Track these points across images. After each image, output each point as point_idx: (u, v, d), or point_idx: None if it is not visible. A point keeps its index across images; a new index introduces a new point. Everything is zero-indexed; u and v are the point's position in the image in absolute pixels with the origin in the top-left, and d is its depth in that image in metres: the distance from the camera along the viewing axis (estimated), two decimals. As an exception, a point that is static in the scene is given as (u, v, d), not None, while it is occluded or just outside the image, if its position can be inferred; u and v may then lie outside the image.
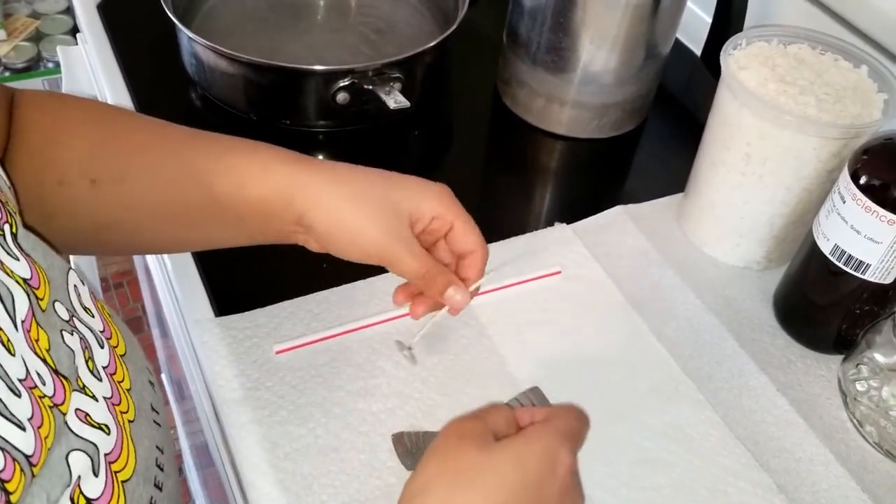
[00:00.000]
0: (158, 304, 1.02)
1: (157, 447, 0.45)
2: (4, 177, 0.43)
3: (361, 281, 0.63)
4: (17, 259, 0.38)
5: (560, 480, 0.40)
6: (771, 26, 0.68)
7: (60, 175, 0.49)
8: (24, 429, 0.33)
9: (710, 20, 0.76)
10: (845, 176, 0.55)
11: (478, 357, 0.59)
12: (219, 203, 0.49)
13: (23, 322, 0.36)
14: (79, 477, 0.37)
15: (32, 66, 1.86)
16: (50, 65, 1.88)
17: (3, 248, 0.37)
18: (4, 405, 0.33)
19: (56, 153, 0.49)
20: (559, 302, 0.63)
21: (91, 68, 0.85)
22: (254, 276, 0.64)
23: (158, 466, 0.45)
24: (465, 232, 0.50)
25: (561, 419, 0.44)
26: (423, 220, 0.50)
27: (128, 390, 0.44)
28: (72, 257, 0.94)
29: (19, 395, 0.34)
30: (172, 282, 0.63)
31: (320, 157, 0.76)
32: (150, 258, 0.76)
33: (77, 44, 0.90)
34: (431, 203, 0.50)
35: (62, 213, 0.50)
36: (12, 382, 0.34)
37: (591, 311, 0.63)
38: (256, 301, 0.60)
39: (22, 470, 0.32)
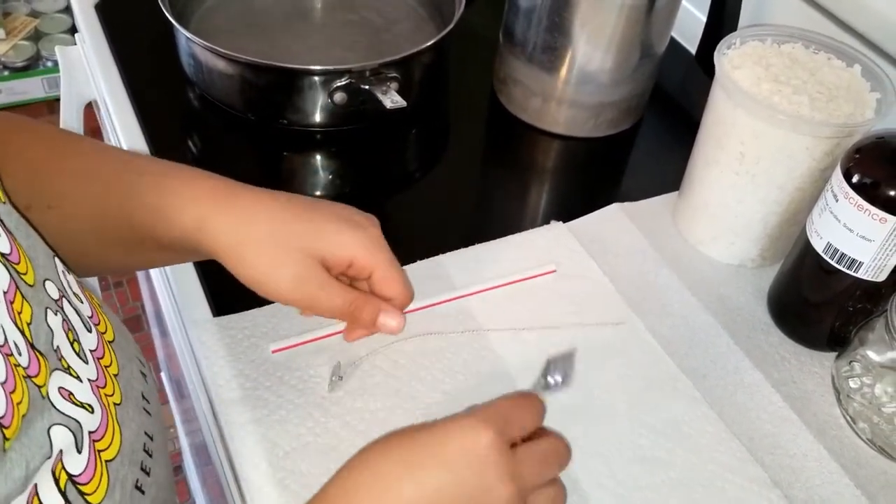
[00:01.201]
0: (157, 304, 1.03)
1: (145, 433, 0.46)
2: None
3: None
4: None
5: (487, 470, 0.40)
6: (765, 26, 0.68)
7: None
8: None
9: (704, 19, 0.77)
10: (838, 175, 0.56)
11: (475, 355, 0.59)
12: (141, 237, 0.50)
13: (5, 293, 0.37)
14: (60, 451, 0.38)
15: (31, 65, 1.87)
16: (49, 63, 1.88)
17: None
18: None
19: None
20: (555, 300, 0.64)
21: (89, 68, 0.85)
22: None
23: (146, 451, 0.45)
24: (384, 279, 0.50)
25: (484, 407, 0.43)
26: (338, 265, 0.49)
27: (115, 375, 0.45)
28: None
29: None
30: (171, 282, 0.63)
31: (318, 157, 0.77)
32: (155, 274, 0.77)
33: (75, 44, 0.90)
34: (347, 249, 0.48)
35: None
36: None
37: (587, 309, 0.63)
38: (254, 301, 0.60)
39: None
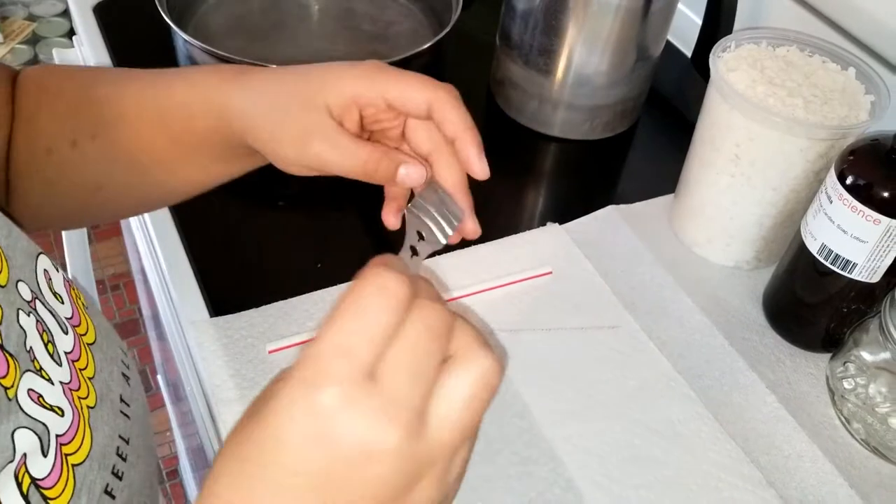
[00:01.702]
0: (154, 307, 1.03)
1: (120, 436, 0.45)
2: None
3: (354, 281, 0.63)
4: None
5: (330, 423, 0.29)
6: (760, 29, 0.69)
7: (47, 143, 0.51)
8: None
9: (700, 22, 0.77)
10: (832, 176, 0.56)
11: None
12: (178, 140, 0.49)
13: None
14: (24, 455, 0.37)
15: (28, 69, 1.87)
16: (46, 67, 1.89)
17: None
18: None
19: (41, 122, 0.51)
20: (552, 301, 0.64)
21: (87, 71, 0.86)
22: (248, 276, 0.65)
23: (120, 455, 0.45)
24: (400, 98, 0.43)
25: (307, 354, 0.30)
26: (349, 108, 0.44)
27: (90, 378, 0.45)
28: (67, 258, 0.95)
29: None
30: (168, 283, 0.63)
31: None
32: (146, 260, 0.77)
33: (73, 46, 0.90)
34: (351, 86, 0.43)
35: (57, 180, 0.51)
36: None
37: (583, 310, 0.63)
38: (251, 301, 0.61)
39: None
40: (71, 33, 1.96)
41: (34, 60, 1.91)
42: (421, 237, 0.42)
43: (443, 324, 0.30)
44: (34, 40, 1.93)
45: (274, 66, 0.49)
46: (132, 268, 1.16)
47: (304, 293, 0.62)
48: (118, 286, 1.86)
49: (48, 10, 1.99)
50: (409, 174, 0.43)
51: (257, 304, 0.61)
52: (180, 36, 0.73)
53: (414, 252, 0.41)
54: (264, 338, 0.59)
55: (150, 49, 0.83)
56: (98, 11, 0.86)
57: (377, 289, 0.30)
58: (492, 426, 0.55)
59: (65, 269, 0.49)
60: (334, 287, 0.63)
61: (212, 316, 0.60)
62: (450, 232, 0.43)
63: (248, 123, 0.45)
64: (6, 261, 0.41)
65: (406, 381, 0.29)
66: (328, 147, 0.43)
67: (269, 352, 0.58)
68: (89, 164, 0.51)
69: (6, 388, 0.37)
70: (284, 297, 0.62)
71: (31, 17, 1.96)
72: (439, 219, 0.43)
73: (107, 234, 1.86)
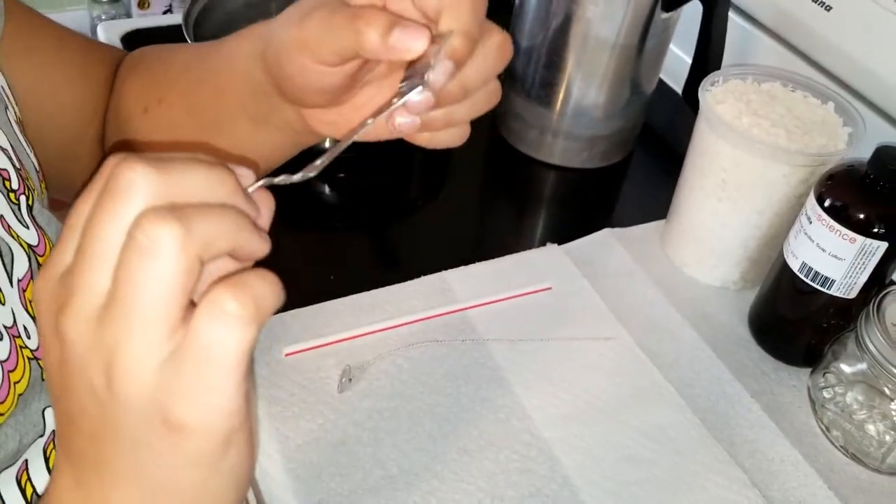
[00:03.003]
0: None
1: None
2: (32, 157, 0.48)
3: (366, 293, 0.67)
4: (27, 227, 0.43)
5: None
6: (746, 66, 0.74)
7: (126, 112, 0.55)
8: None
9: (690, 62, 0.83)
10: (812, 199, 0.61)
11: (474, 362, 0.63)
12: (225, 91, 0.48)
13: (20, 280, 0.40)
14: (53, 431, 0.40)
15: (43, 101, 1.93)
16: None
17: (15, 214, 0.42)
18: None
19: (123, 95, 0.55)
20: (550, 314, 0.68)
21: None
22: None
23: None
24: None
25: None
26: None
27: None
28: None
29: (1, 339, 0.38)
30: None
31: (326, 183, 0.82)
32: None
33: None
34: None
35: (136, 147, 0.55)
36: None
37: (579, 324, 0.67)
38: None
39: None
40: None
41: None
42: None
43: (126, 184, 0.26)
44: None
45: None
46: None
47: (318, 303, 0.66)
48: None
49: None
50: (403, 34, 0.36)
51: (275, 312, 0.64)
52: (206, 63, 0.78)
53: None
54: (281, 342, 0.63)
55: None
56: (126, 41, 0.91)
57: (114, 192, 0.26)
58: (494, 427, 0.59)
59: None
60: (347, 297, 0.67)
61: (232, 321, 0.64)
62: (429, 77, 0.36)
63: (272, 45, 0.42)
64: None
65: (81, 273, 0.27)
66: (326, 12, 0.38)
67: (286, 354, 0.62)
68: (156, 128, 0.51)
69: (42, 370, 0.41)
70: (300, 306, 0.65)
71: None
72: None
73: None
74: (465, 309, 0.67)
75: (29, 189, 0.44)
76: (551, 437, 0.59)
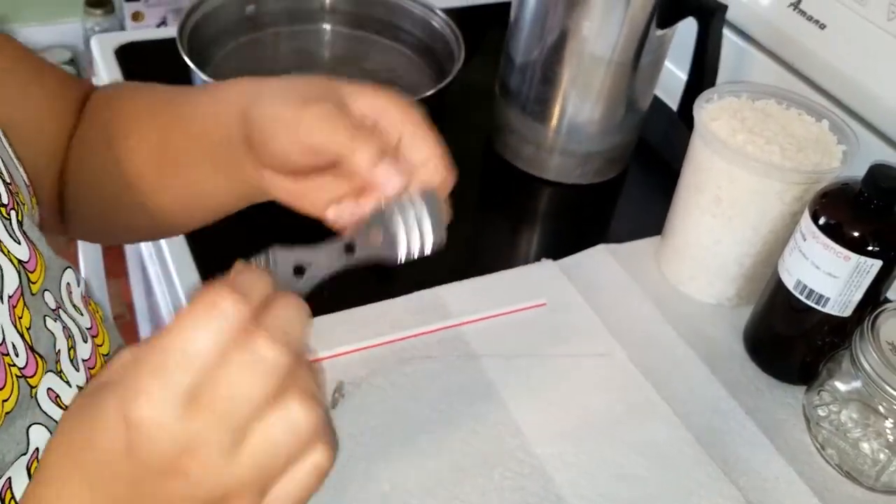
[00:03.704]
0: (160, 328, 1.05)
1: None
2: (22, 172, 0.48)
3: (360, 308, 0.67)
4: (19, 242, 0.42)
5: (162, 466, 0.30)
6: (741, 83, 0.74)
7: (91, 144, 0.55)
8: None
9: (685, 78, 0.83)
10: (806, 217, 0.61)
11: (468, 378, 0.63)
12: (192, 134, 0.50)
13: (10, 297, 0.40)
14: (37, 449, 0.40)
15: (36, 113, 1.92)
16: (53, 111, 1.94)
17: (6, 229, 0.42)
18: None
19: (89, 126, 0.55)
20: (545, 330, 0.68)
21: (107, 109, 0.90)
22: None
23: None
24: (415, 138, 0.43)
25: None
26: (366, 117, 0.44)
27: None
28: (82, 265, 0.98)
29: None
30: (182, 301, 0.67)
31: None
32: (158, 285, 0.81)
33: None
34: (380, 101, 0.44)
35: (90, 187, 0.56)
36: None
37: (574, 340, 0.67)
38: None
39: None
40: (78, 80, 2.02)
41: (41, 105, 1.96)
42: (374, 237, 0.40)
43: (273, 360, 0.30)
44: (42, 86, 1.98)
45: None
46: (136, 305, 1.19)
47: (312, 318, 0.65)
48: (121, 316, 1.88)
49: (56, 57, 2.04)
50: (389, 169, 0.41)
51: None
52: (200, 77, 0.78)
53: (349, 250, 0.40)
54: (274, 357, 0.62)
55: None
56: (119, 54, 0.91)
57: (206, 307, 0.29)
58: (488, 444, 0.59)
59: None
60: (340, 312, 0.66)
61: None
62: (404, 255, 0.41)
63: (262, 100, 0.44)
64: (45, 271, 0.44)
65: (214, 416, 0.29)
66: (327, 111, 0.41)
67: (279, 369, 0.61)
68: (122, 163, 0.52)
69: (32, 387, 0.41)
70: (293, 321, 0.65)
71: (41, 64, 2.02)
72: (411, 230, 0.41)
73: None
74: (460, 324, 0.67)
75: (19, 204, 0.44)
76: (545, 453, 0.59)
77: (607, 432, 0.61)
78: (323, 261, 0.40)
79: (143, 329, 1.19)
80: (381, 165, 0.40)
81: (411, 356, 0.64)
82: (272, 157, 0.44)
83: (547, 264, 0.74)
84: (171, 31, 0.84)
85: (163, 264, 0.74)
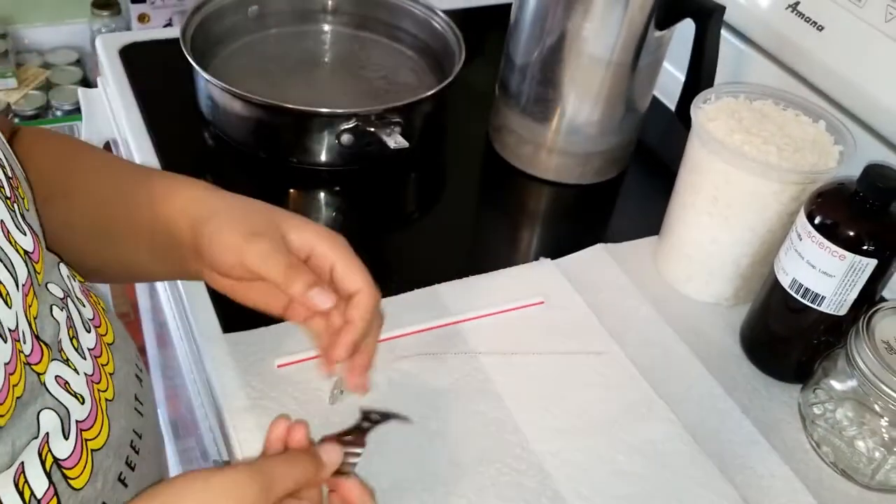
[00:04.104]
0: (161, 337, 1.06)
1: (134, 431, 0.49)
2: (18, 166, 0.48)
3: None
4: (24, 234, 0.44)
5: None
6: (738, 83, 0.75)
7: (42, 194, 0.54)
8: None
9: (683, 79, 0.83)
10: (802, 216, 0.61)
11: (467, 376, 0.64)
12: (136, 221, 0.54)
13: (23, 285, 0.42)
14: (47, 434, 0.41)
15: (41, 114, 1.93)
16: (58, 112, 1.94)
17: (13, 221, 0.43)
18: None
19: (32, 176, 0.54)
20: (543, 328, 0.68)
21: (111, 109, 0.91)
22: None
23: (133, 448, 0.49)
24: (346, 272, 0.50)
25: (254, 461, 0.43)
26: (301, 249, 0.50)
27: (111, 374, 0.49)
28: None
29: (6, 341, 0.39)
30: (184, 303, 0.67)
31: (321, 194, 0.82)
32: (160, 285, 0.81)
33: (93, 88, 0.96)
34: (310, 238, 0.51)
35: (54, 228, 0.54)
36: (3, 329, 0.39)
37: (572, 337, 0.68)
38: (260, 321, 0.65)
39: None
40: (84, 81, 2.02)
41: (47, 106, 1.97)
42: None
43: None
44: (47, 87, 1.99)
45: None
46: (140, 305, 1.19)
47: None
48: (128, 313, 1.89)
49: (62, 58, 2.05)
50: (314, 296, 0.48)
51: (267, 323, 0.65)
52: (202, 75, 0.79)
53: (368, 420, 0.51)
54: (273, 354, 0.63)
55: (172, 89, 0.89)
56: (124, 54, 0.92)
57: (306, 458, 0.43)
58: (485, 441, 0.59)
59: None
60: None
61: (224, 332, 0.64)
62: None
63: (211, 218, 0.50)
64: (43, 263, 0.45)
65: None
66: (270, 248, 0.49)
67: (278, 366, 0.62)
68: (52, 220, 0.53)
69: (38, 374, 0.42)
70: (291, 319, 0.66)
71: (46, 65, 2.03)
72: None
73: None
74: (458, 322, 0.67)
75: (19, 197, 0.45)
76: (542, 450, 0.59)
77: (604, 430, 0.61)
78: (362, 441, 0.49)
79: (147, 328, 1.19)
80: (311, 293, 0.48)
81: (409, 353, 0.64)
82: (218, 267, 0.50)
83: (545, 263, 0.74)
84: (174, 32, 0.85)
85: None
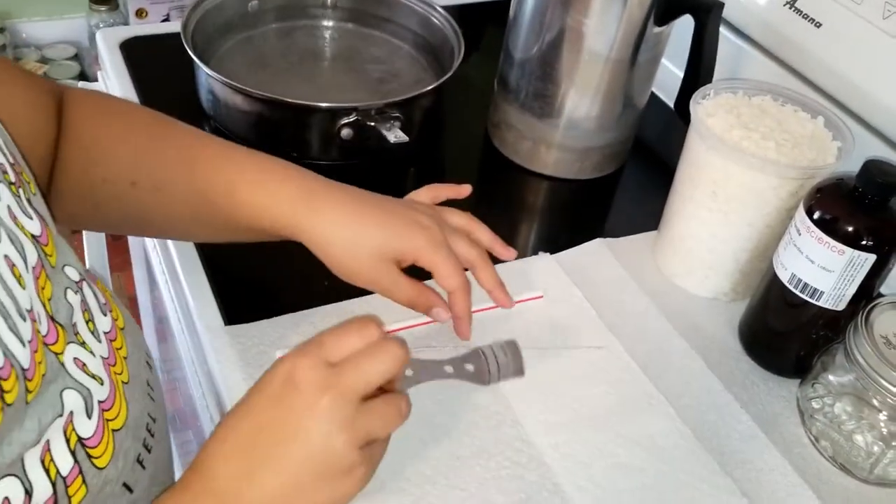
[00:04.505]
0: (161, 328, 1.06)
1: (149, 414, 0.50)
2: (18, 152, 0.49)
3: (358, 299, 0.68)
4: (31, 218, 0.44)
5: (301, 387, 0.43)
6: (737, 80, 0.75)
7: (105, 174, 0.56)
8: (24, 346, 0.39)
9: (682, 76, 0.84)
10: (801, 211, 0.61)
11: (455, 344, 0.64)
12: (236, 225, 0.57)
13: (33, 268, 0.42)
14: (71, 412, 0.42)
15: (38, 108, 1.93)
16: (55, 107, 1.94)
17: (19, 206, 0.43)
18: (13, 322, 0.38)
19: (102, 154, 0.56)
20: (542, 322, 0.68)
21: (110, 103, 0.91)
22: (260, 290, 0.69)
23: (149, 431, 0.49)
24: (441, 277, 0.59)
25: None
26: (406, 260, 0.58)
27: (125, 358, 0.49)
28: (86, 256, 1.00)
29: (25, 320, 0.39)
30: (186, 294, 0.68)
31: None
32: (161, 275, 0.81)
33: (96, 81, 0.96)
34: (413, 252, 0.58)
35: (107, 205, 0.57)
36: (21, 308, 0.39)
37: (570, 332, 0.68)
38: (262, 313, 0.65)
39: (17, 378, 0.38)
40: (81, 76, 2.02)
41: (44, 101, 1.96)
42: (469, 366, 0.56)
43: (388, 357, 0.46)
44: (45, 82, 1.99)
45: (339, 187, 0.60)
46: (139, 299, 1.19)
47: (311, 307, 0.66)
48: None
49: (60, 53, 2.05)
50: (438, 314, 0.60)
51: (268, 316, 0.65)
52: (203, 70, 0.79)
53: (455, 369, 0.55)
54: (275, 346, 0.63)
55: (173, 84, 0.89)
56: (124, 48, 0.92)
57: (360, 325, 0.46)
58: (486, 434, 0.59)
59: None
60: (340, 302, 0.67)
61: (226, 325, 0.64)
62: (494, 382, 0.56)
63: (318, 243, 0.57)
64: (55, 246, 0.46)
65: (351, 372, 0.44)
66: (390, 285, 0.58)
67: (280, 359, 0.62)
68: (142, 204, 0.57)
69: (56, 354, 0.42)
70: (293, 311, 0.66)
71: (44, 60, 2.03)
72: (498, 367, 0.56)
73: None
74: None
75: (24, 182, 0.45)
76: (542, 443, 0.59)
77: (604, 423, 0.61)
78: (428, 371, 0.54)
79: (146, 323, 1.19)
80: (433, 312, 0.61)
81: (411, 346, 0.64)
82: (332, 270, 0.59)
83: (544, 258, 0.74)
84: (175, 26, 0.85)
85: (167, 257, 0.75)
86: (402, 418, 0.47)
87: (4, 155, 0.44)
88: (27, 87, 0.55)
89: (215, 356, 0.62)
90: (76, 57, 2.05)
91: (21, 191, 0.44)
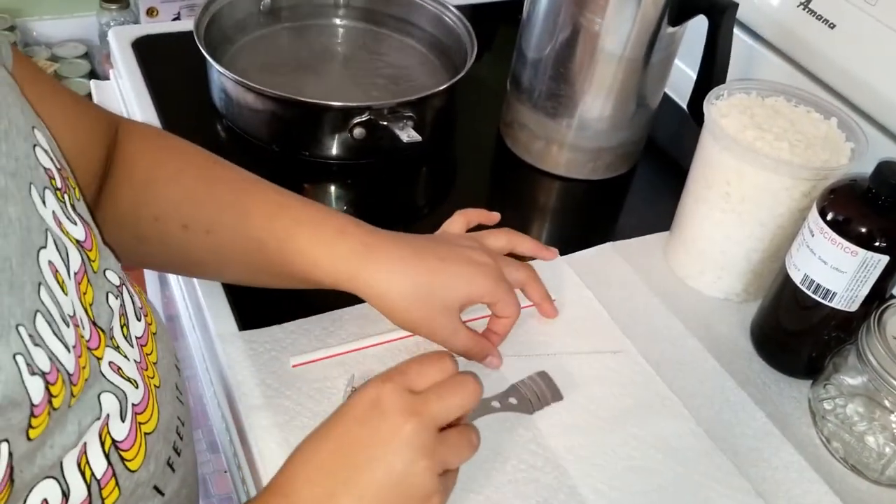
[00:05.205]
0: (173, 319, 1.07)
1: (178, 418, 0.51)
2: (63, 160, 0.49)
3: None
4: (75, 223, 0.44)
5: (387, 412, 0.45)
6: (751, 80, 0.75)
7: (157, 212, 0.57)
8: (69, 351, 0.39)
9: (695, 77, 0.83)
10: (814, 212, 0.61)
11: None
12: (290, 274, 0.59)
13: (75, 274, 0.42)
14: (107, 415, 0.42)
15: (48, 106, 1.93)
16: (65, 105, 1.95)
17: (64, 212, 0.44)
18: (58, 328, 0.39)
19: (154, 194, 0.57)
20: (555, 324, 0.68)
21: (124, 102, 0.91)
22: (273, 295, 0.69)
23: (178, 434, 0.50)
24: (500, 308, 0.61)
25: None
26: (469, 303, 0.60)
27: (155, 363, 0.50)
28: None
29: (68, 326, 0.40)
30: (200, 300, 0.68)
31: (333, 188, 0.82)
32: (175, 280, 0.82)
33: (93, 87, 0.96)
34: (476, 295, 0.60)
35: (154, 243, 0.58)
36: (64, 314, 0.40)
37: (583, 335, 0.68)
38: (275, 318, 0.65)
39: (64, 383, 0.38)
40: (91, 74, 2.03)
41: (54, 98, 1.97)
42: (512, 400, 0.61)
43: (467, 390, 0.48)
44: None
45: (392, 237, 0.60)
46: (148, 297, 1.19)
47: (325, 312, 0.66)
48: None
49: (70, 51, 2.06)
50: (491, 361, 0.63)
51: (281, 321, 0.65)
52: (215, 68, 0.79)
53: (501, 404, 0.60)
54: (287, 352, 0.63)
55: (185, 82, 0.89)
56: (136, 46, 0.92)
57: (439, 359, 0.48)
58: (502, 437, 0.60)
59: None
60: (353, 307, 0.67)
61: (240, 330, 0.64)
62: (538, 409, 0.61)
63: (377, 295, 0.57)
64: (99, 251, 0.46)
65: (433, 398, 0.46)
66: (450, 335, 0.60)
67: (293, 365, 0.62)
68: (193, 247, 0.58)
69: (98, 359, 0.43)
70: (306, 315, 0.66)
71: (54, 58, 2.03)
72: (538, 397, 0.62)
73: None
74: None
75: (70, 187, 0.46)
76: (558, 446, 0.59)
77: (618, 426, 0.62)
78: (480, 408, 0.58)
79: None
80: (486, 361, 0.63)
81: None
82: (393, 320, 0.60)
83: (556, 259, 0.74)
84: (187, 25, 0.85)
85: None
86: (473, 449, 0.48)
87: (52, 160, 0.44)
88: (66, 107, 0.55)
89: (228, 361, 0.62)
90: (86, 55, 2.05)
91: (66, 196, 0.45)
